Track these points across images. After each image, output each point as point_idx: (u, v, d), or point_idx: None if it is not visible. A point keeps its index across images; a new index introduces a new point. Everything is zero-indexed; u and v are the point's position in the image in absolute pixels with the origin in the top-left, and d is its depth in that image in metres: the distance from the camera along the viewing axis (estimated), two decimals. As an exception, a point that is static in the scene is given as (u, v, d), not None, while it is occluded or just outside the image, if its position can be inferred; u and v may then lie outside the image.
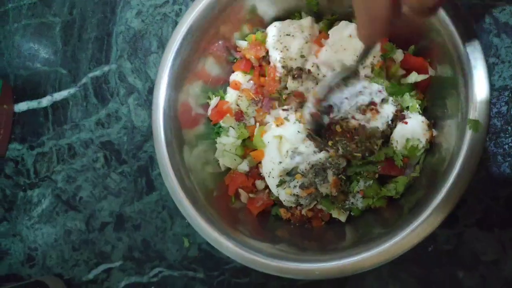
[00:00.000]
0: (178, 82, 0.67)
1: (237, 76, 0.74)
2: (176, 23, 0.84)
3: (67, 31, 0.92)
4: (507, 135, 0.66)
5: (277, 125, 0.67)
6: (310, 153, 0.65)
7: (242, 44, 0.74)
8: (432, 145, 0.62)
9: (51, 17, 0.93)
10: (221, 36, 0.71)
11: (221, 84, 0.75)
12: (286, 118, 0.67)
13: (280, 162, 0.66)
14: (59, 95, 0.91)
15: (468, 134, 0.52)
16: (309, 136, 0.65)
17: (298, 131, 0.66)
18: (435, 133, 0.62)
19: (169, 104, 0.66)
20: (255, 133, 0.70)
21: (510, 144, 0.66)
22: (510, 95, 0.66)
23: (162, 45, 0.85)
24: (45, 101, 0.92)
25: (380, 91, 0.63)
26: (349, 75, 0.63)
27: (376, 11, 0.42)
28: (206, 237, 0.60)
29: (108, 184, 0.86)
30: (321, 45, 0.69)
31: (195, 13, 0.65)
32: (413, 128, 0.62)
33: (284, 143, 0.67)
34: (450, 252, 0.66)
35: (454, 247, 0.65)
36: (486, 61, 0.66)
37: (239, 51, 0.74)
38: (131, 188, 0.84)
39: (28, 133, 0.92)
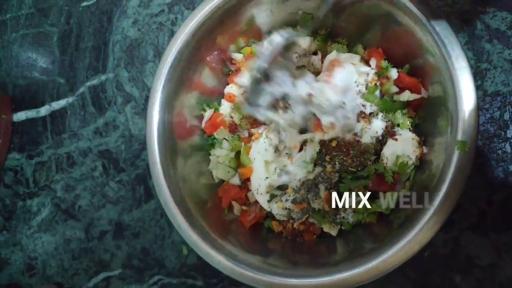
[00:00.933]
0: (173, 93, 0.67)
1: (232, 89, 0.75)
2: (172, 32, 0.85)
3: (65, 40, 0.93)
4: (500, 140, 0.67)
5: (253, 140, 0.68)
6: (299, 172, 0.65)
7: (238, 56, 0.74)
8: (422, 162, 0.63)
9: (48, 27, 0.94)
10: (217, 47, 0.71)
11: (216, 96, 0.76)
12: (261, 134, 0.68)
13: (267, 178, 0.66)
14: (57, 104, 0.92)
15: (456, 153, 0.53)
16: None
17: (266, 148, 0.66)
18: (425, 150, 0.62)
19: (163, 116, 0.66)
20: (241, 151, 0.70)
21: (503, 149, 0.66)
22: (503, 100, 0.67)
23: (159, 53, 0.86)
24: (44, 110, 0.93)
25: (363, 105, 0.64)
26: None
27: None
28: (197, 250, 0.61)
29: (107, 192, 0.86)
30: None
31: (192, 23, 0.66)
32: (404, 144, 0.63)
33: (272, 161, 0.67)
34: (446, 256, 0.66)
35: (450, 251, 0.66)
36: (478, 66, 0.68)
37: (235, 64, 0.75)
38: (130, 196, 0.85)
39: (27, 143, 0.93)
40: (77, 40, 0.92)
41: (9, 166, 0.93)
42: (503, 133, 0.67)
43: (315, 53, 0.72)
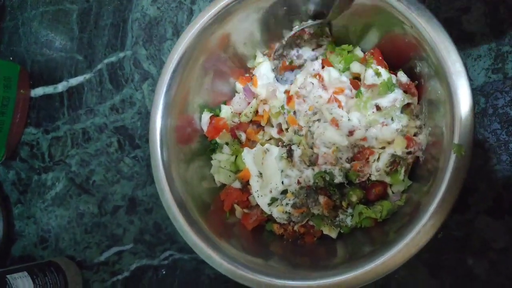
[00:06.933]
0: (177, 97, 0.68)
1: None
2: (191, 11, 0.86)
3: (84, 18, 0.93)
4: (520, 123, 0.66)
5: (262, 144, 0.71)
6: (297, 176, 0.66)
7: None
8: (417, 170, 0.64)
9: (68, 4, 0.95)
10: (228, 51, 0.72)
11: (219, 102, 0.76)
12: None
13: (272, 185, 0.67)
14: (74, 81, 0.93)
15: (453, 157, 0.52)
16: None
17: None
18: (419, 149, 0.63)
19: (166, 120, 0.67)
20: (239, 156, 0.72)
21: (523, 132, 0.66)
22: (523, 83, 0.67)
23: (177, 32, 0.86)
24: (61, 87, 0.94)
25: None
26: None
27: None
28: (199, 253, 0.62)
29: (121, 168, 0.87)
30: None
31: (197, 27, 0.66)
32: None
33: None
34: (460, 239, 0.66)
35: (464, 233, 0.66)
36: (499, 49, 0.68)
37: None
38: (144, 172, 0.85)
39: (43, 118, 0.94)
40: (96, 18, 0.93)
41: (25, 140, 0.95)
42: (522, 116, 0.66)
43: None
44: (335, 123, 0.63)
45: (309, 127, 0.66)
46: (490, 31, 0.68)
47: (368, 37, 0.68)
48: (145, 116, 0.86)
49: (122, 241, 0.85)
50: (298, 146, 0.67)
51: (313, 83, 0.67)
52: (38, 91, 0.96)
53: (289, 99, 0.69)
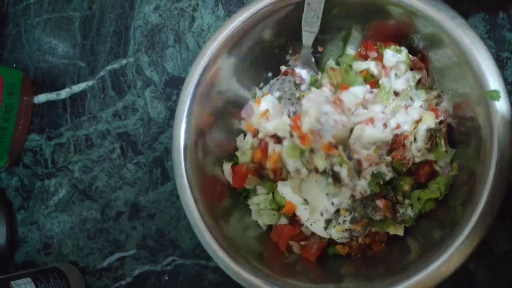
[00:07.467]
0: (195, 168, 0.66)
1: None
2: (193, 18, 0.86)
3: (86, 25, 0.94)
4: (520, 129, 0.66)
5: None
6: (347, 192, 0.63)
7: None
8: (455, 139, 0.63)
9: (71, 12, 0.96)
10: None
11: (230, 153, 0.73)
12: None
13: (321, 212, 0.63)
14: (77, 87, 0.93)
15: (495, 114, 0.50)
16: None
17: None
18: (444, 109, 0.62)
19: (195, 194, 0.65)
20: (274, 192, 0.69)
21: (523, 137, 0.66)
22: (523, 89, 0.67)
23: (179, 39, 0.87)
24: (64, 93, 0.94)
25: None
26: None
27: None
28: None
29: (124, 174, 0.87)
30: None
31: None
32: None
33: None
34: (461, 244, 0.66)
35: (466, 238, 0.66)
36: (499, 55, 0.68)
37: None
38: (147, 178, 0.86)
39: (46, 124, 0.95)
40: (98, 25, 0.94)
41: (28, 147, 0.95)
42: (522, 121, 0.66)
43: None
44: (371, 121, 0.62)
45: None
46: (489, 37, 0.68)
47: (353, 37, 0.68)
48: (147, 122, 0.87)
49: (124, 247, 0.85)
50: (341, 166, 0.63)
51: (326, 113, 0.63)
52: (41, 98, 0.96)
53: (303, 138, 0.65)
